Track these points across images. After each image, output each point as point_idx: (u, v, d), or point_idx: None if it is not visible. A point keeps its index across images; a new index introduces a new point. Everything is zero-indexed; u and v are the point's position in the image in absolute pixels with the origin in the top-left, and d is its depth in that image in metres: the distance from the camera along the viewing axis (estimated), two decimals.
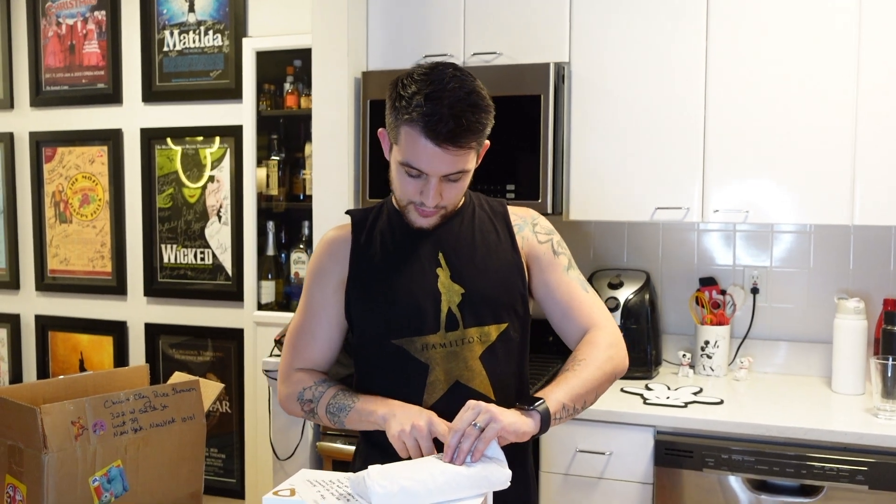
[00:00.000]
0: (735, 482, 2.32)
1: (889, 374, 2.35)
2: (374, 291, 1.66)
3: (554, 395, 1.52)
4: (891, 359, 2.37)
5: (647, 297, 2.86)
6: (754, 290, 2.96)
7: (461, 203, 1.70)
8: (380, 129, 1.64)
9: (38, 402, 1.56)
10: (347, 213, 1.76)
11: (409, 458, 1.50)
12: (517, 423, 1.45)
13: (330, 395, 1.66)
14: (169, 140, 3.87)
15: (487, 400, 1.58)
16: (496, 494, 1.47)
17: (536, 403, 1.48)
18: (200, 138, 3.81)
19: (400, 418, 1.53)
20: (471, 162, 1.57)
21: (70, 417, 1.54)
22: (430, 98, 1.50)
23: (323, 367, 1.75)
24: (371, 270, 1.67)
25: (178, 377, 1.84)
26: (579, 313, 1.68)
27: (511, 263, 1.69)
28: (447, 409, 1.57)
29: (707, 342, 2.85)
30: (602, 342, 1.63)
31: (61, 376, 1.77)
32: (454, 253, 1.66)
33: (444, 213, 1.63)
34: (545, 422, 1.48)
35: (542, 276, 1.71)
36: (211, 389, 1.84)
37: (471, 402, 1.46)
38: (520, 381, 1.73)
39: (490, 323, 1.65)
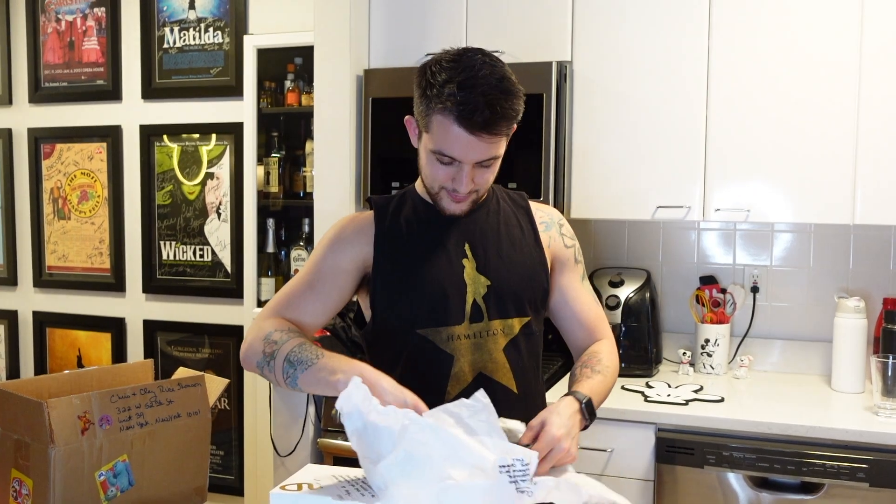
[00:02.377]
0: (735, 479, 2.33)
1: (889, 373, 2.36)
2: (402, 279, 1.63)
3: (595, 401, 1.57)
4: (891, 357, 2.38)
5: (647, 295, 2.86)
6: (754, 289, 2.97)
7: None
8: (406, 117, 1.62)
9: (43, 397, 1.57)
10: (368, 199, 1.74)
11: None
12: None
13: (296, 343, 1.54)
14: (165, 137, 3.87)
15: (510, 393, 1.63)
16: None
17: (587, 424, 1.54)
18: (197, 136, 3.80)
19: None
20: (502, 147, 1.56)
21: (76, 412, 1.54)
22: (462, 86, 1.47)
23: (307, 328, 1.66)
24: (398, 258, 1.64)
25: (183, 372, 1.84)
26: (593, 325, 1.75)
27: (535, 258, 1.70)
28: None
29: (707, 340, 2.86)
30: (615, 354, 1.72)
31: (66, 371, 1.77)
32: (480, 244, 1.66)
33: (476, 197, 1.62)
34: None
35: (560, 280, 1.73)
36: (216, 385, 1.84)
37: (574, 430, 1.47)
38: (538, 376, 1.74)
39: (514, 315, 1.65)
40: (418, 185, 1.70)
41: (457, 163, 1.54)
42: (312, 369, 1.49)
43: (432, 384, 1.61)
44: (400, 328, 1.64)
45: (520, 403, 1.64)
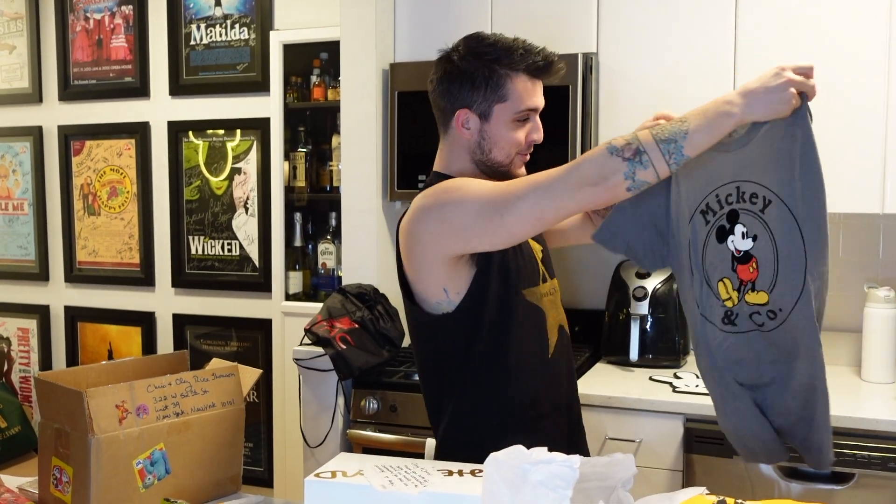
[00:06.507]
0: (765, 469, 2.33)
1: None
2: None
3: None
4: None
5: (674, 286, 2.86)
6: None
7: None
8: (459, 111, 1.73)
9: (80, 387, 1.59)
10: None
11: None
12: None
13: (646, 129, 1.51)
14: (191, 133, 3.91)
15: (569, 342, 1.88)
16: None
17: None
18: (222, 131, 3.84)
19: (760, 83, 1.49)
20: None
21: (115, 401, 1.57)
22: (522, 46, 1.70)
23: None
24: None
25: (217, 363, 1.87)
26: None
27: None
28: (559, 354, 1.81)
29: None
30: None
31: (104, 361, 1.80)
32: None
33: None
34: None
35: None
36: (249, 375, 1.87)
37: None
38: None
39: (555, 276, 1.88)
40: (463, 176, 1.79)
41: (531, 117, 1.73)
42: (692, 129, 1.48)
43: (538, 340, 1.77)
44: (511, 287, 1.72)
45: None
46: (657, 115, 1.67)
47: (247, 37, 3.76)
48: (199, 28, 3.86)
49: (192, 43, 3.88)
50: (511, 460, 1.23)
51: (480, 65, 1.69)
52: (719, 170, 1.66)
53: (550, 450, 1.23)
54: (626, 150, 1.47)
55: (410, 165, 2.96)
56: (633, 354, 2.80)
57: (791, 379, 1.62)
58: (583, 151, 2.74)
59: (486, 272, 1.69)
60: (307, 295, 3.73)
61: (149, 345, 4.08)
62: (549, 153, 2.72)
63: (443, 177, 1.76)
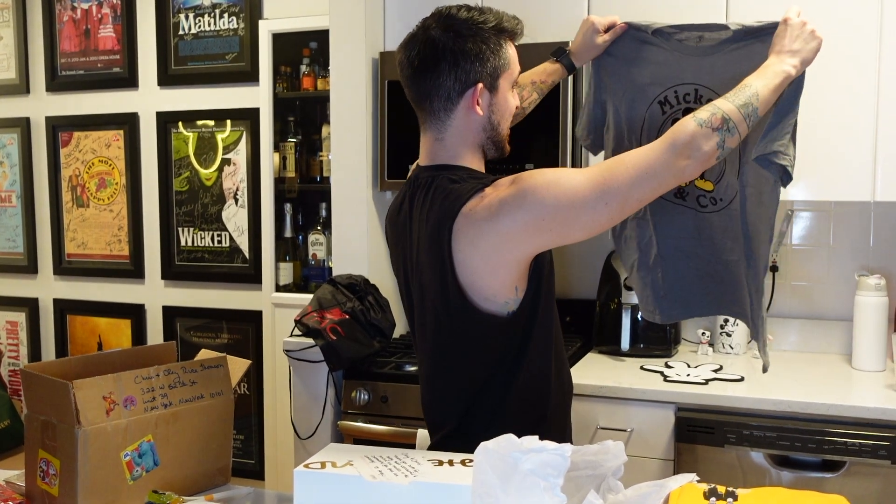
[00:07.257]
0: (757, 457, 2.33)
1: None
2: None
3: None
4: None
5: None
6: (773, 268, 2.96)
7: None
8: (475, 87, 1.64)
9: (68, 378, 1.58)
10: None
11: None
12: None
13: (723, 99, 1.58)
14: (181, 124, 3.88)
15: None
16: None
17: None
18: (212, 123, 3.82)
19: (796, 39, 1.71)
20: None
21: (101, 392, 1.56)
22: (510, 16, 1.72)
23: None
24: None
25: (205, 354, 1.85)
26: None
27: None
28: None
29: (726, 320, 2.85)
30: None
31: (91, 353, 1.78)
32: None
33: None
34: None
35: None
36: (238, 366, 1.86)
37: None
38: None
39: None
40: (472, 164, 1.69)
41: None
42: (760, 91, 1.62)
43: (558, 322, 1.76)
44: (550, 281, 1.69)
45: None
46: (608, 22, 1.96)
47: (235, 26, 3.74)
48: (187, 17, 3.83)
49: (181, 33, 3.85)
50: (501, 449, 1.22)
51: (486, 36, 1.64)
52: (681, 70, 1.87)
53: (541, 438, 1.22)
54: (713, 120, 1.53)
55: (401, 155, 2.94)
56: (625, 344, 2.80)
57: (712, 254, 1.94)
58: (574, 139, 2.72)
59: (542, 265, 1.62)
60: (297, 286, 3.71)
61: (139, 337, 4.06)
62: (541, 142, 2.72)
63: (454, 168, 1.66)
